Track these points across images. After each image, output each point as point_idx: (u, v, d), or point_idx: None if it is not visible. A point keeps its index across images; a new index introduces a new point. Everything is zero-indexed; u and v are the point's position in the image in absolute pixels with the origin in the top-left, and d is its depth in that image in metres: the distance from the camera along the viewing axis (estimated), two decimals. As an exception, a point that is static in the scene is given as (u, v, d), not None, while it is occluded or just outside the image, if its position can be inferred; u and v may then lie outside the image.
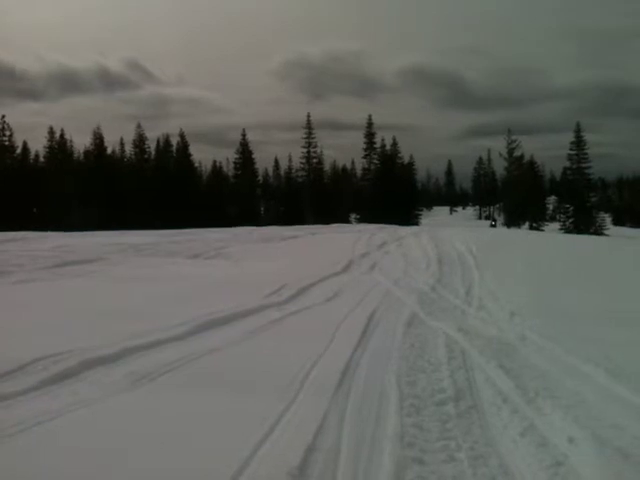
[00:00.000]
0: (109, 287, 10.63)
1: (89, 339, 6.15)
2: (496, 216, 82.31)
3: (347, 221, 60.70)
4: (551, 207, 75.00)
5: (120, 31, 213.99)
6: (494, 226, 67.73)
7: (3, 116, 58.94)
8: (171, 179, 60.55)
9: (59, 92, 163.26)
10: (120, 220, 47.47)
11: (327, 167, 78.09)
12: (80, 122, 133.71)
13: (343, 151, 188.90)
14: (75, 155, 65.92)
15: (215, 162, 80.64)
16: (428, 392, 5.10)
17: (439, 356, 6.36)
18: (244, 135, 68.98)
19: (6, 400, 4.38)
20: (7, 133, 59.38)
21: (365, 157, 70.59)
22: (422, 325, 8.11)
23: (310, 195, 66.03)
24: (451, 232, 26.14)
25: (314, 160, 69.85)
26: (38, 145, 73.44)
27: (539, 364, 6.04)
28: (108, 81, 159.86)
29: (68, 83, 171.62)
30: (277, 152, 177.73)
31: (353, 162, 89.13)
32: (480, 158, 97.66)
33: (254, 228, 31.75)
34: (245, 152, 69.13)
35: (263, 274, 12.97)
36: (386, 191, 62.32)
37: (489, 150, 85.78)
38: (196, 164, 72.10)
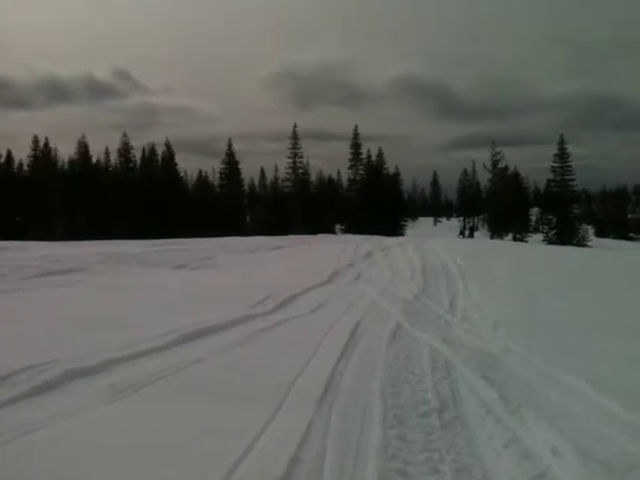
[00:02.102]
0: (94, 297, 10.57)
1: (73, 349, 6.11)
2: (479, 226, 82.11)
3: (332, 232, 60.63)
4: (534, 218, 75.48)
5: (108, 40, 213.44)
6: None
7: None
8: (156, 188, 60.29)
9: (46, 100, 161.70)
10: (105, 229, 47.19)
11: (313, 177, 78.19)
12: (67, 131, 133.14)
13: (329, 161, 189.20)
14: (60, 164, 65.53)
15: (201, 172, 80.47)
16: (412, 403, 5.11)
17: (423, 367, 6.37)
18: (230, 145, 68.95)
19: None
20: (-10, 141, 59.18)
21: (351, 168, 70.64)
22: (407, 336, 8.13)
23: (296, 205, 66.00)
24: (436, 243, 26.24)
25: (300, 170, 69.92)
26: (23, 154, 72.93)
27: (523, 375, 6.05)
28: (96, 90, 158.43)
29: (55, 91, 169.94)
30: (263, 162, 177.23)
31: (339, 172, 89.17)
32: (465, 169, 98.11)
33: (239, 238, 31.69)
34: (231, 162, 69.00)
35: (248, 284, 12.96)
36: (371, 202, 62.38)
37: (474, 162, 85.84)
38: (182, 173, 72.00)
